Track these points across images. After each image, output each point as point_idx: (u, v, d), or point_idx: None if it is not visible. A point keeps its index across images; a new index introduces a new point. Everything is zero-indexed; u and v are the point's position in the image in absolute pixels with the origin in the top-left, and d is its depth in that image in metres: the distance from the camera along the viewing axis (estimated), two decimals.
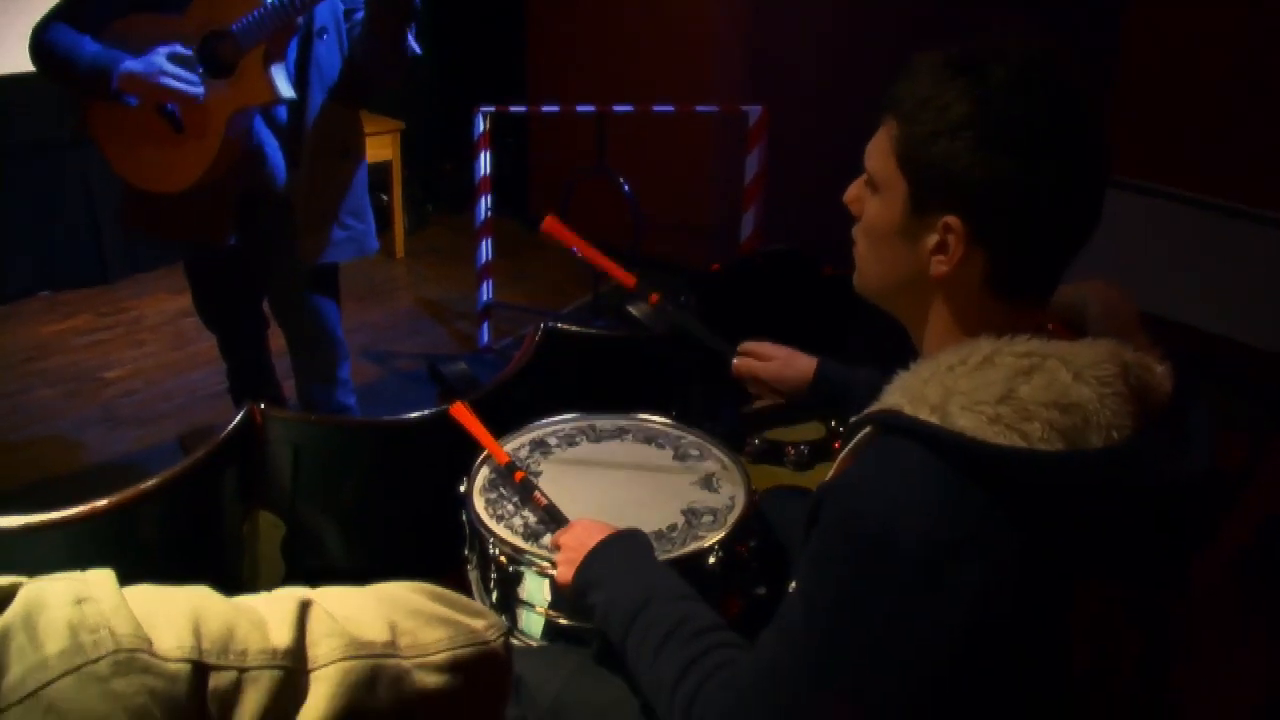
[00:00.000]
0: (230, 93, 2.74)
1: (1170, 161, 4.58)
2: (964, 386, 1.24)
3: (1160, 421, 1.28)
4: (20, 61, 4.82)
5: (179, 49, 2.74)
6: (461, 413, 2.08)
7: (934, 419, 1.23)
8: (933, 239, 1.31)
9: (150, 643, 0.90)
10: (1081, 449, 1.22)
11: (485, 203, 4.72)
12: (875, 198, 1.38)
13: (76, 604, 0.90)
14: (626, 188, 4.72)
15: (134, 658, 0.88)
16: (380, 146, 5.71)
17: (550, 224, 2.26)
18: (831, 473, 1.40)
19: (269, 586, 2.19)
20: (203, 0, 2.72)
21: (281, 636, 0.98)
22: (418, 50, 2.81)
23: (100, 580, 0.95)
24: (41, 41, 2.78)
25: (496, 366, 4.61)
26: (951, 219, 1.28)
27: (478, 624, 1.12)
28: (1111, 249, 3.99)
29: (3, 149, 5.18)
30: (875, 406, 1.32)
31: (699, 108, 4.65)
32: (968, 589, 1.20)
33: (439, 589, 1.15)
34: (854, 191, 1.44)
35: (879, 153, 1.36)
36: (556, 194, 5.26)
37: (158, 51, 2.72)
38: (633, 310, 3.14)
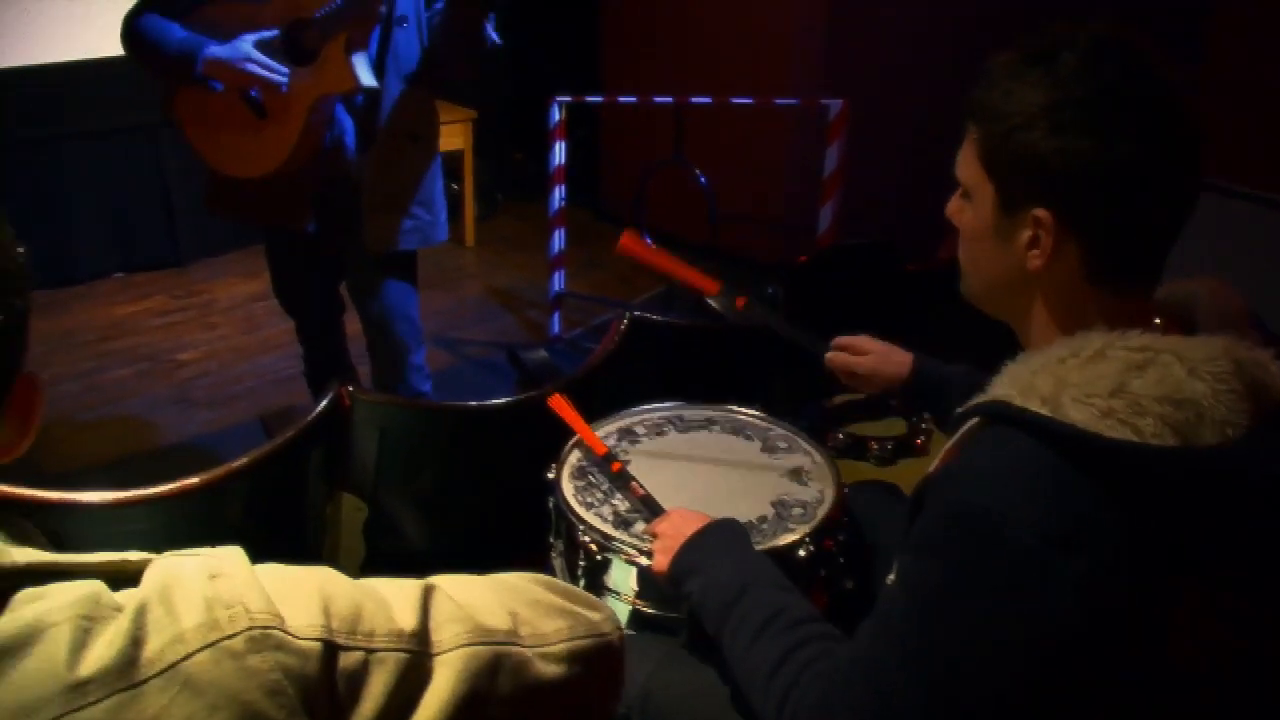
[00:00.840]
0: (313, 80, 2.75)
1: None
2: (1076, 379, 1.22)
3: (1275, 420, 1.26)
4: (95, 47, 4.94)
5: (264, 35, 2.76)
6: (559, 404, 2.08)
7: (1045, 410, 1.21)
8: (1025, 234, 1.30)
9: (283, 620, 0.90)
10: (1195, 445, 1.19)
11: (559, 193, 4.71)
12: (969, 205, 1.38)
13: (210, 579, 0.89)
14: (703, 179, 4.69)
15: (268, 634, 0.88)
16: (452, 135, 5.72)
17: (628, 241, 2.24)
18: (935, 463, 1.38)
19: (349, 570, 2.19)
20: None
21: (407, 619, 0.97)
22: (497, 40, 2.80)
23: (232, 557, 0.94)
24: (132, 28, 2.83)
25: (569, 356, 4.62)
26: (1040, 211, 1.27)
27: (595, 616, 1.12)
28: (1203, 252, 3.95)
29: (79, 133, 5.25)
30: (983, 397, 1.30)
31: (778, 100, 4.60)
32: (1074, 582, 1.18)
33: (555, 580, 1.16)
34: (953, 205, 1.44)
35: (965, 161, 1.37)
36: (629, 184, 5.26)
37: (244, 38, 2.74)
38: (713, 302, 3.11)
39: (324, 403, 1.96)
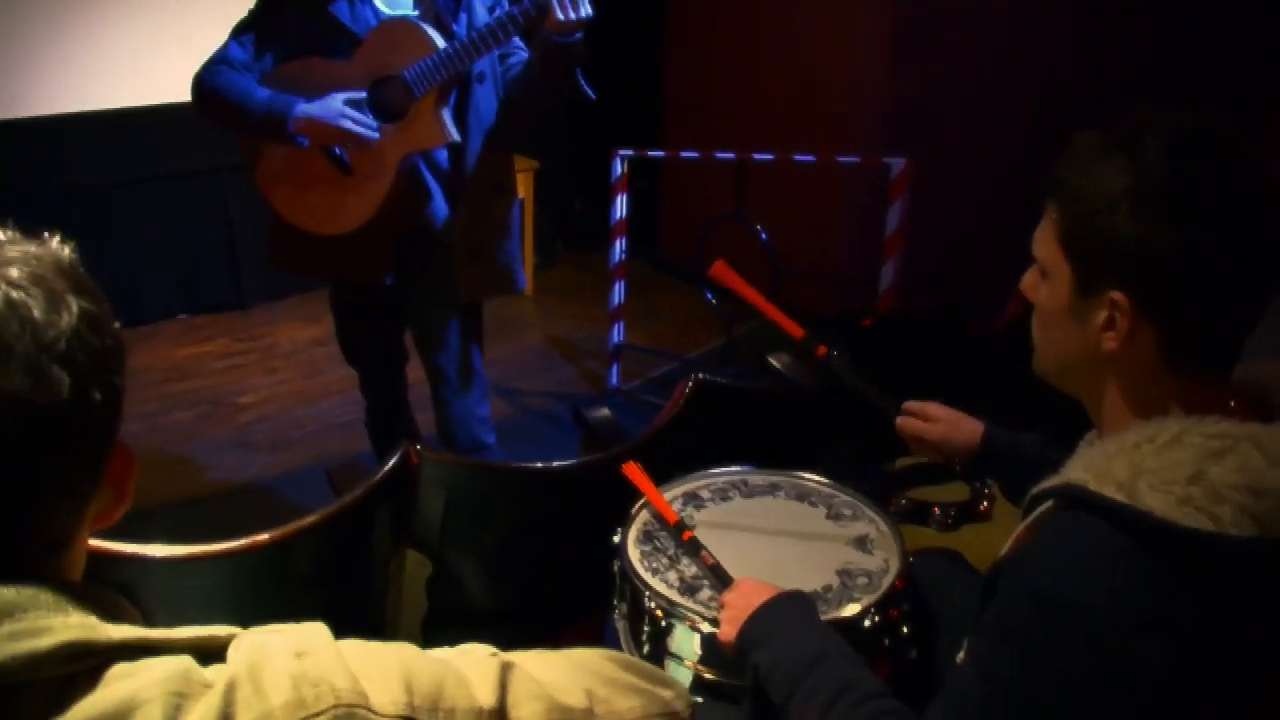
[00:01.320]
0: (401, 136, 2.79)
1: None
2: (1152, 465, 1.21)
3: None
4: (162, 92, 5.03)
5: (353, 94, 2.79)
6: (633, 471, 2.08)
7: (1120, 496, 1.21)
8: (1101, 316, 1.29)
9: (367, 697, 0.91)
10: (1274, 534, 1.18)
11: (620, 245, 4.74)
12: (1045, 283, 1.38)
13: (297, 657, 0.91)
14: (764, 235, 4.70)
15: (353, 713, 0.89)
16: None
17: (720, 269, 2.25)
18: (1008, 546, 1.38)
19: (411, 626, 2.20)
20: (371, 46, 2.78)
21: (486, 697, 0.98)
22: (592, 94, 2.84)
23: (317, 633, 0.95)
24: (207, 85, 2.85)
25: (627, 408, 4.63)
26: (1117, 295, 1.27)
27: (667, 694, 1.13)
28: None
29: (146, 175, 5.36)
30: (1057, 480, 1.30)
31: (840, 158, 4.61)
32: (1152, 670, 1.18)
33: (628, 657, 1.16)
34: (1028, 280, 1.44)
35: (1044, 239, 1.36)
36: (689, 235, 5.28)
37: (333, 96, 2.78)
38: (774, 362, 3.11)
39: (392, 461, 1.97)
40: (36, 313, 0.87)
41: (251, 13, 2.91)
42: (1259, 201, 1.24)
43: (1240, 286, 1.25)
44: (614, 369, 4.84)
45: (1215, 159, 1.24)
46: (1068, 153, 1.33)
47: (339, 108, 2.77)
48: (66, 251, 0.94)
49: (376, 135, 2.78)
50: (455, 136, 2.80)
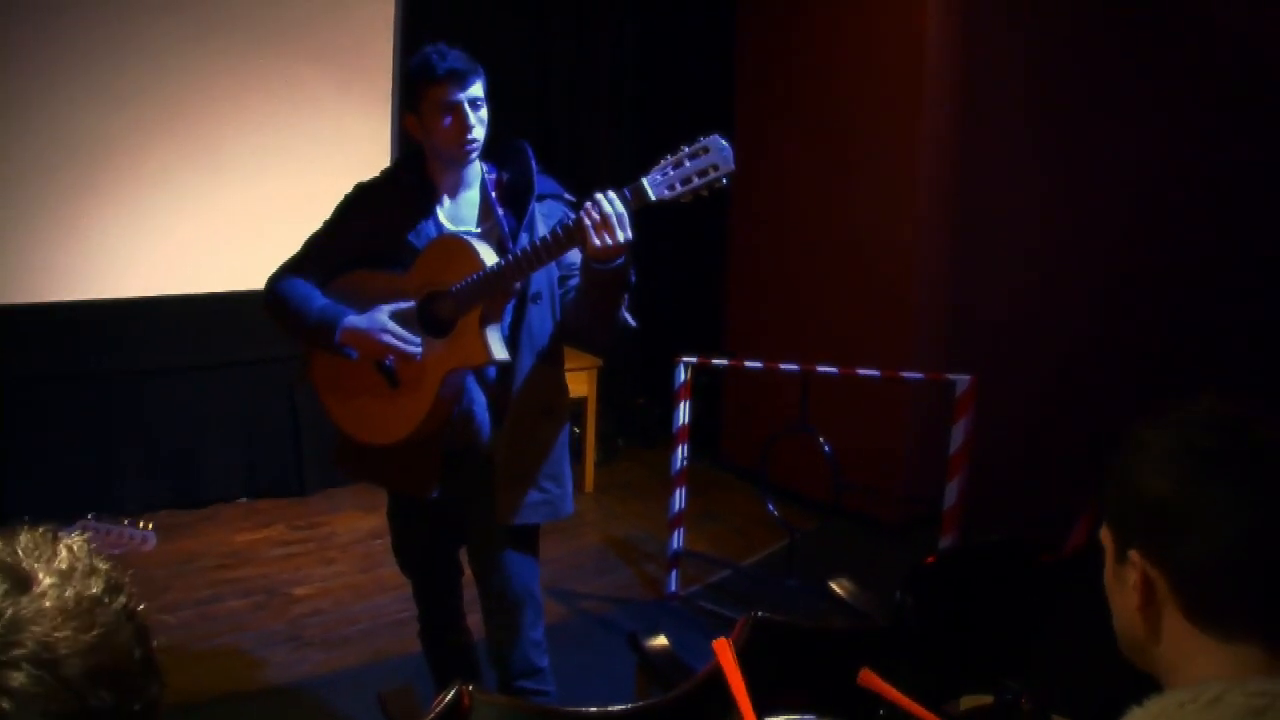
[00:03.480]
0: (446, 352, 2.81)
1: None
2: None
3: None
4: (231, 281, 5.18)
5: (401, 306, 2.83)
6: (723, 649, 2.03)
7: None
8: (1133, 577, 1.33)
9: None
10: None
11: (682, 452, 4.74)
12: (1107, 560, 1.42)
13: None
14: (828, 449, 4.68)
15: None
16: (578, 383, 5.81)
17: (867, 677, 2.22)
18: None
19: None
20: (427, 259, 2.82)
21: None
22: (633, 324, 2.85)
23: None
24: (274, 292, 2.93)
25: (684, 617, 4.59)
26: (1133, 553, 1.32)
27: None
28: None
29: (212, 361, 5.49)
30: None
31: (905, 374, 4.61)
32: None
33: None
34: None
35: (1105, 521, 1.41)
36: (750, 439, 5.29)
37: (381, 309, 2.82)
38: (836, 588, 3.05)
39: (445, 701, 1.94)
40: None
41: (326, 223, 2.99)
42: (1267, 473, 1.26)
43: (1251, 548, 1.25)
44: (673, 575, 4.79)
45: (1224, 431, 1.29)
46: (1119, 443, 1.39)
47: (383, 322, 2.80)
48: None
49: (419, 351, 2.81)
50: (501, 356, 2.79)
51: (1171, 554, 1.28)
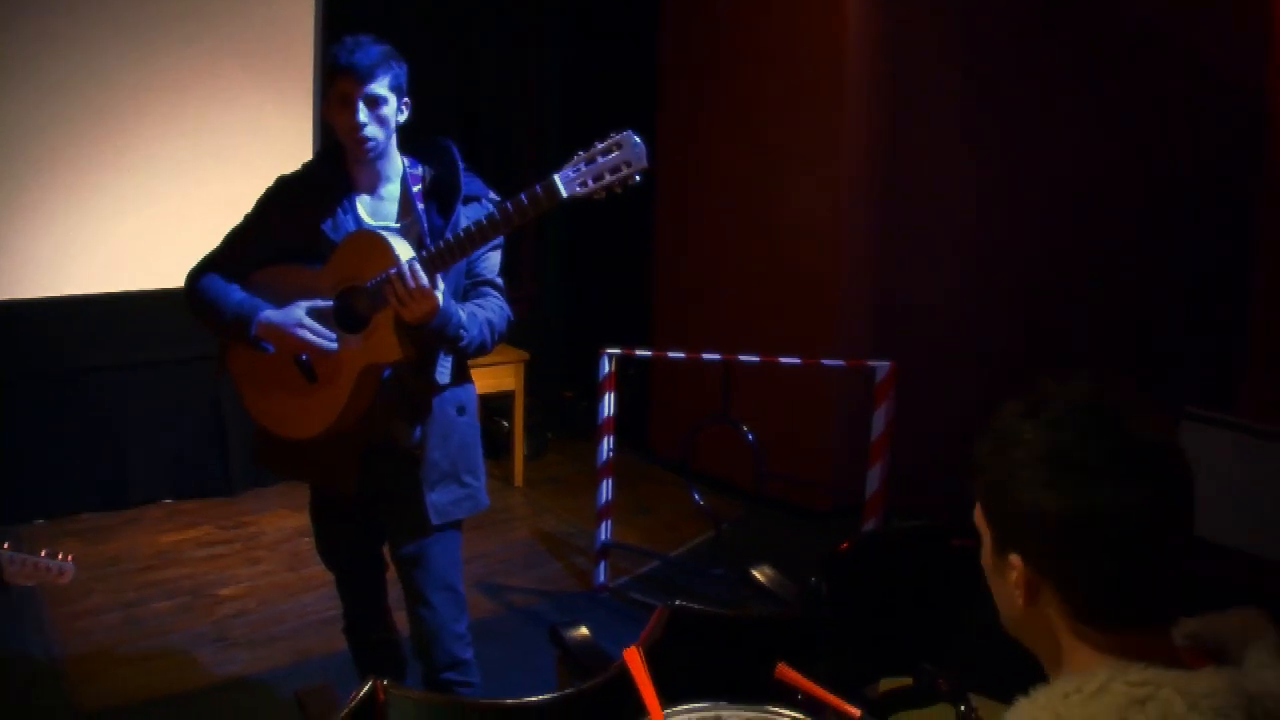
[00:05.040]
0: (362, 348, 2.81)
1: None
2: (1078, 715, 1.24)
3: None
4: (155, 279, 5.13)
5: (318, 302, 2.83)
6: (633, 660, 2.04)
7: None
8: (1013, 575, 1.35)
9: None
10: None
11: (607, 443, 4.76)
12: (983, 542, 1.44)
13: None
14: (751, 437, 4.72)
15: None
16: (504, 376, 5.82)
17: (783, 672, 2.24)
18: None
19: None
20: (344, 254, 2.82)
21: None
22: (441, 380, 2.94)
23: None
24: (194, 286, 2.93)
25: (613, 608, 4.61)
26: (1014, 557, 1.33)
27: None
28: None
29: (137, 361, 5.45)
30: None
31: (825, 361, 4.66)
32: None
33: None
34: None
35: (977, 505, 1.42)
36: (678, 431, 5.31)
37: (298, 304, 2.82)
38: (757, 575, 3.08)
39: (359, 697, 1.94)
40: None
41: (246, 217, 2.98)
42: (1144, 472, 1.27)
43: (1125, 551, 1.27)
44: (601, 567, 4.81)
45: (1099, 433, 1.28)
46: (990, 422, 1.39)
47: (299, 317, 2.81)
48: None
49: (334, 346, 2.81)
50: (411, 353, 2.80)
51: (1056, 566, 1.31)
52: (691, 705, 2.20)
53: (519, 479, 6.07)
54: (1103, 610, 1.31)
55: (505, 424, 6.12)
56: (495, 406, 6.11)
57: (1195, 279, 5.12)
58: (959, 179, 5.39)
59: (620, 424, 4.87)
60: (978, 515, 1.42)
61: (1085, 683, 1.26)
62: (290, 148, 5.28)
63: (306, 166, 3.02)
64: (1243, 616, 1.40)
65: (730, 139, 5.81)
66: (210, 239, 3.01)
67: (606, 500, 4.83)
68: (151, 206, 5.29)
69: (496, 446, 6.09)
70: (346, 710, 1.92)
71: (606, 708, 2.14)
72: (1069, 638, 1.33)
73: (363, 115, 2.76)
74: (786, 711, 2.23)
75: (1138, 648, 1.29)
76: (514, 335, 5.66)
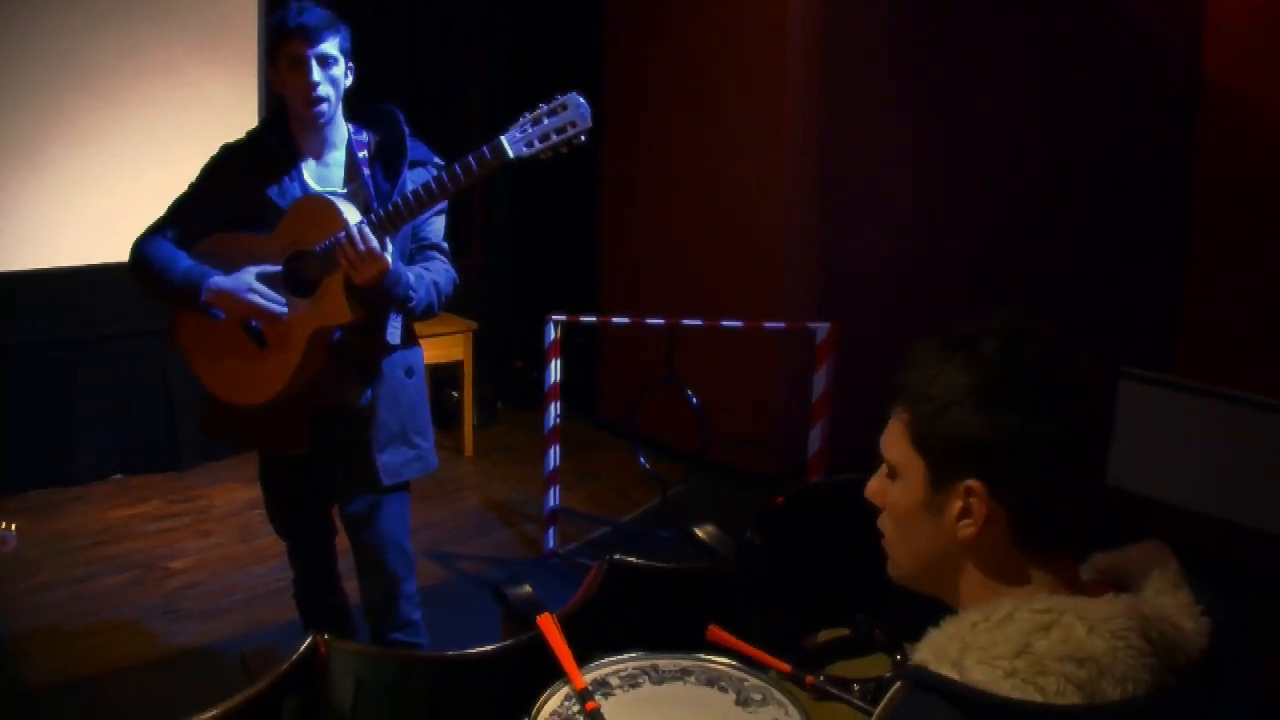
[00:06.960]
0: (311, 311, 2.83)
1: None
2: (983, 642, 1.27)
3: (1189, 677, 1.29)
4: (100, 253, 5.09)
5: (266, 268, 2.85)
6: (548, 626, 2.08)
7: (953, 673, 1.25)
8: (957, 506, 1.35)
9: None
10: (1098, 702, 1.23)
11: (554, 410, 4.78)
12: (896, 484, 1.43)
13: None
14: (694, 399, 4.76)
15: None
16: (452, 346, 5.83)
17: (714, 634, 2.27)
18: None
19: None
20: (292, 220, 2.84)
21: None
22: (392, 340, 2.98)
23: None
24: (139, 255, 2.93)
25: (562, 574, 4.64)
26: (972, 483, 1.33)
27: None
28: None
29: (86, 336, 5.39)
30: (907, 663, 1.34)
31: (766, 324, 4.71)
32: None
33: None
34: (874, 485, 1.49)
35: (893, 440, 1.42)
36: (626, 397, 5.35)
37: (247, 269, 2.84)
38: (699, 533, 3.13)
39: (299, 651, 1.97)
40: None
41: (191, 185, 2.98)
42: (1087, 392, 1.34)
43: (1076, 469, 1.33)
44: (550, 533, 4.84)
45: (1047, 353, 1.33)
46: (909, 360, 1.41)
47: (248, 282, 2.83)
48: None
49: (284, 310, 2.84)
50: (360, 314, 2.83)
51: (1012, 482, 1.32)
52: (627, 655, 2.25)
53: (469, 449, 6.08)
54: (1047, 532, 1.34)
55: (455, 394, 6.13)
56: (444, 377, 6.12)
57: (1134, 246, 5.21)
58: (899, 147, 5.44)
59: (570, 391, 4.90)
60: (897, 451, 1.42)
61: (992, 612, 1.29)
62: (234, 119, 5.24)
63: (251, 134, 3.03)
64: (1145, 549, 1.44)
65: (674, 106, 5.83)
66: (153, 213, 3.01)
67: (555, 466, 4.86)
68: (94, 182, 5.25)
69: (446, 417, 6.10)
70: (287, 664, 1.95)
71: (544, 659, 2.18)
72: (1000, 566, 1.36)
73: (316, 74, 2.79)
74: (720, 660, 2.28)
75: (1062, 578, 1.34)
76: (462, 305, 5.72)
